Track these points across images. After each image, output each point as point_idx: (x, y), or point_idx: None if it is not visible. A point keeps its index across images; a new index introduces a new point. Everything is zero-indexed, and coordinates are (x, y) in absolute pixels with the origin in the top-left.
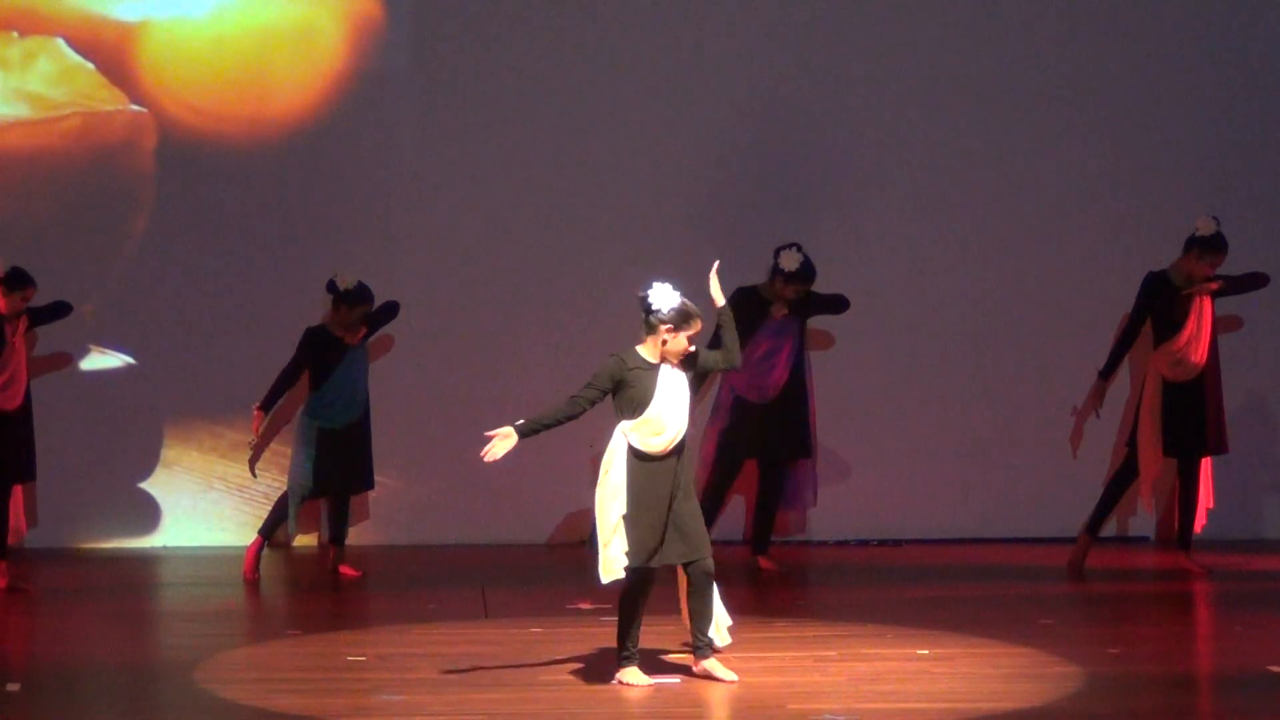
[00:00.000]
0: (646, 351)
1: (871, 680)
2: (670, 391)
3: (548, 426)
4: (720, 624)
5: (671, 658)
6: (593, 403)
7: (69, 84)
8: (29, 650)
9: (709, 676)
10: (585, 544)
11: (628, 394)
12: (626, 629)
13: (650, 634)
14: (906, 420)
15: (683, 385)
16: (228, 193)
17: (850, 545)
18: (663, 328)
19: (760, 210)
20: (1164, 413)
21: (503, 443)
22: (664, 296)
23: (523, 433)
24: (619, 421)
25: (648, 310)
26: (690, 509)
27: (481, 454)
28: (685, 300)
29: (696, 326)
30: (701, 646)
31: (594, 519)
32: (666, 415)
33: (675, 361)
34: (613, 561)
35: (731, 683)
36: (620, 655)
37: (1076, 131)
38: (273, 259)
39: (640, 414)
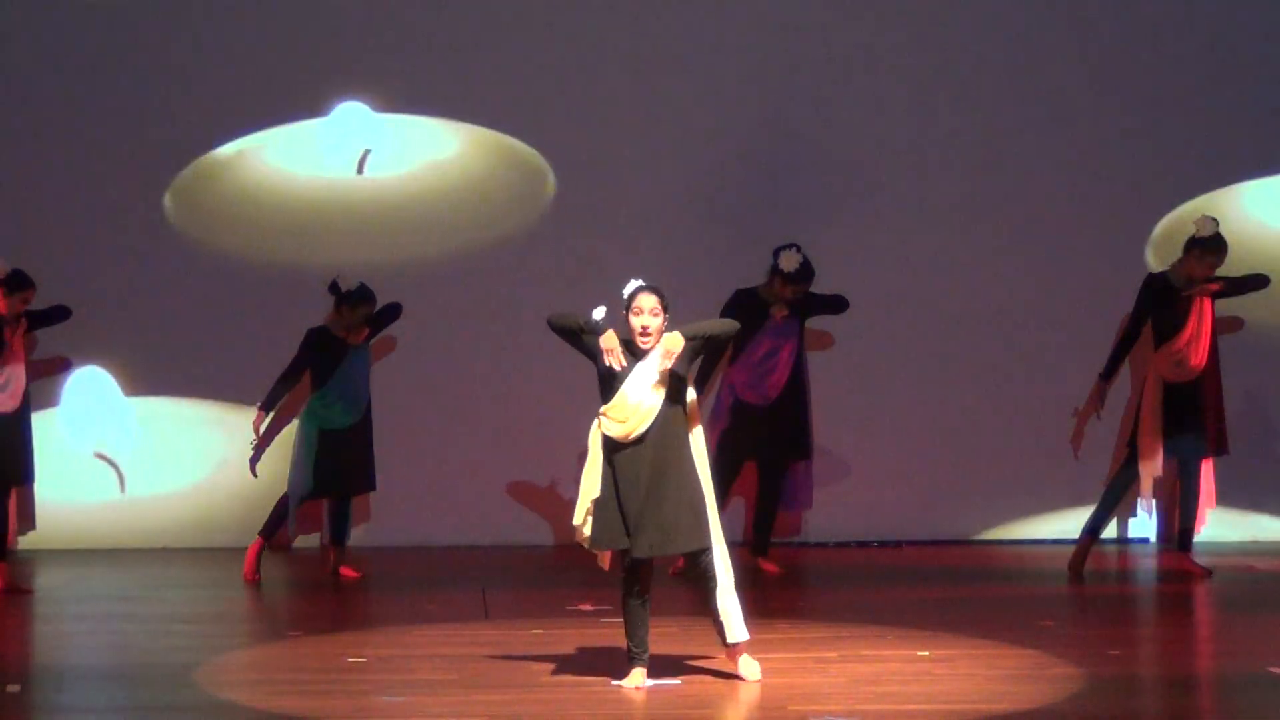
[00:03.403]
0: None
1: (872, 682)
2: (640, 379)
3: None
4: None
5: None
6: (583, 327)
7: None
8: (29, 651)
9: (735, 676)
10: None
11: (605, 379)
12: (627, 628)
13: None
14: (906, 421)
15: (651, 375)
16: (228, 192)
17: (850, 547)
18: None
19: (759, 211)
20: (1164, 414)
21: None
22: (629, 287)
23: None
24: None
25: None
26: (669, 500)
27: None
28: (641, 283)
29: (637, 302)
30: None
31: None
32: (631, 400)
33: (648, 345)
34: (586, 541)
35: (752, 681)
36: (627, 655)
37: (1077, 133)
38: (275, 259)
39: (608, 399)
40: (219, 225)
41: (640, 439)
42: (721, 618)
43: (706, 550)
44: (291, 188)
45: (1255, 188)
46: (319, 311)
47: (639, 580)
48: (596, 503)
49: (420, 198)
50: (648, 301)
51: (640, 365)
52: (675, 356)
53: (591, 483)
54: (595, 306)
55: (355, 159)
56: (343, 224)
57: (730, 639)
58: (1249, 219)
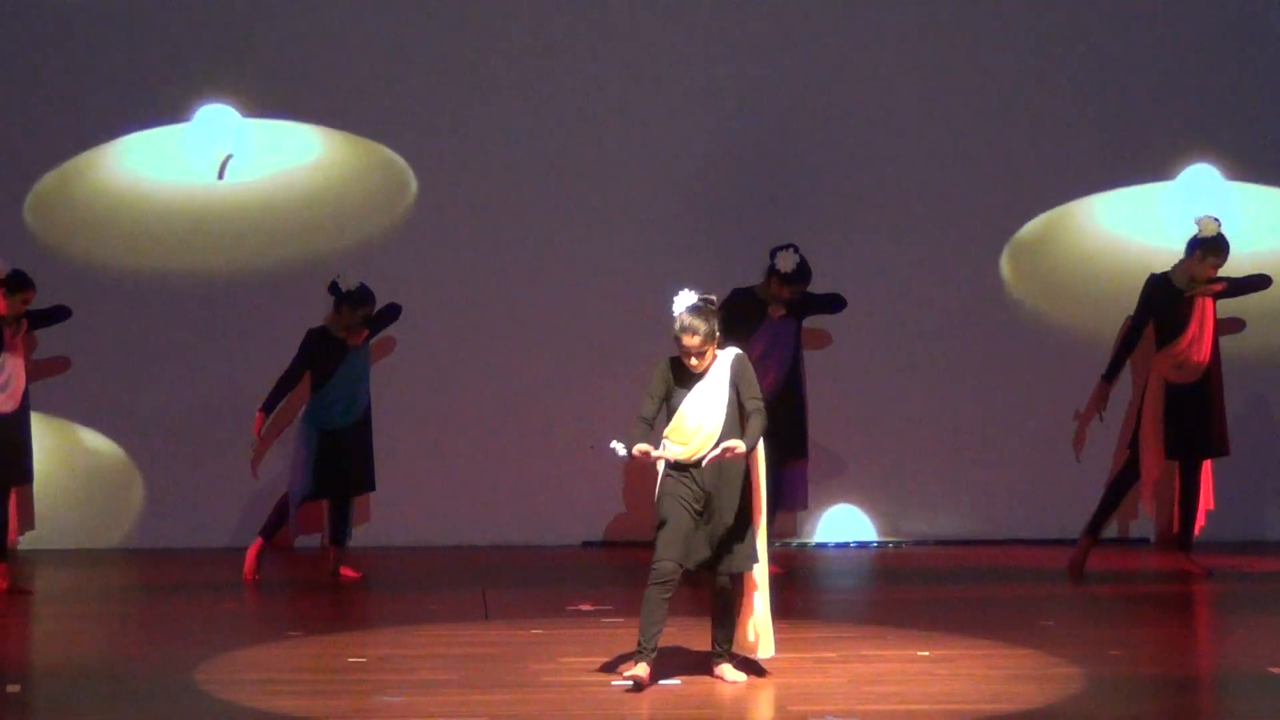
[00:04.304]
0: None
1: (872, 682)
2: (699, 401)
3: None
4: (762, 635)
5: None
6: (657, 407)
7: None
8: (29, 651)
9: (720, 678)
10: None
11: (670, 402)
12: (644, 621)
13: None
14: (905, 421)
15: (718, 397)
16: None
17: (849, 547)
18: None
19: (757, 211)
20: (1166, 415)
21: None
22: (677, 304)
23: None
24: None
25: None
26: (725, 520)
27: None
28: (689, 306)
29: (684, 336)
30: (717, 653)
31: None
32: (690, 424)
33: (702, 367)
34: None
35: (736, 683)
36: (636, 650)
37: (1077, 130)
38: (275, 259)
39: (670, 421)
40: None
41: (701, 460)
42: (748, 628)
43: (742, 574)
44: (153, 193)
45: (1106, 199)
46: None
47: (672, 582)
48: (663, 517)
49: (282, 202)
50: (692, 340)
51: (697, 388)
52: (735, 453)
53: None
54: (612, 442)
55: (217, 164)
56: (204, 229)
57: (758, 653)
58: (1101, 230)
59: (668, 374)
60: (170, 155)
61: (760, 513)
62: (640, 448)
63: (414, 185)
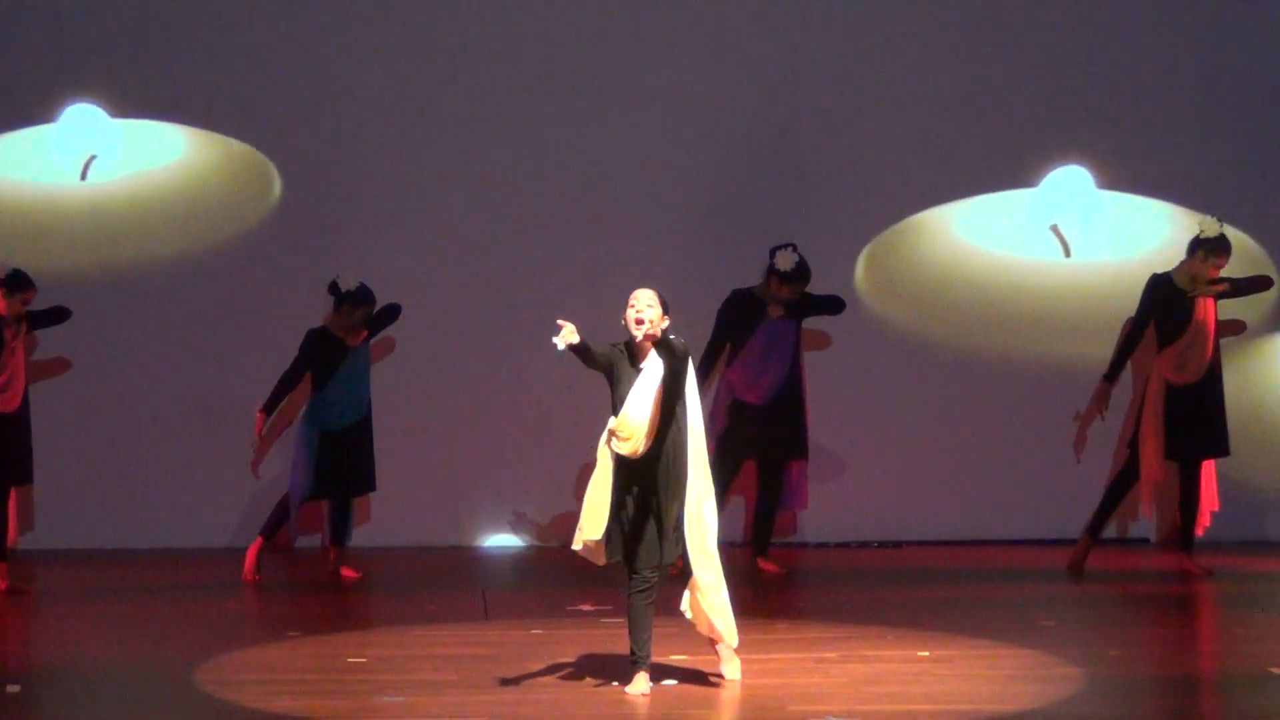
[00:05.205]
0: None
1: (872, 682)
2: (640, 393)
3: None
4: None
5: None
6: (598, 354)
7: None
8: (29, 651)
9: (719, 661)
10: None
11: (615, 391)
12: (630, 629)
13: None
14: (905, 421)
15: (653, 385)
16: (227, 192)
17: (850, 547)
18: None
19: (756, 210)
20: (1166, 416)
21: (570, 335)
22: None
23: (577, 347)
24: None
25: None
26: (660, 515)
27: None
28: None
29: (632, 298)
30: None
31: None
32: (632, 421)
33: (643, 331)
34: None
35: (733, 680)
36: (630, 659)
37: (1078, 129)
38: (274, 260)
39: (615, 413)
40: (216, 223)
41: (644, 455)
42: (714, 618)
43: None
44: (16, 194)
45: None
46: (319, 313)
47: (653, 588)
48: (589, 504)
49: (145, 201)
50: (644, 296)
51: (640, 379)
52: (659, 332)
53: (601, 492)
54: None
55: (80, 164)
56: (65, 229)
57: (727, 642)
58: (958, 238)
59: (618, 353)
60: (35, 155)
61: (707, 497)
62: (569, 330)
63: (278, 185)
